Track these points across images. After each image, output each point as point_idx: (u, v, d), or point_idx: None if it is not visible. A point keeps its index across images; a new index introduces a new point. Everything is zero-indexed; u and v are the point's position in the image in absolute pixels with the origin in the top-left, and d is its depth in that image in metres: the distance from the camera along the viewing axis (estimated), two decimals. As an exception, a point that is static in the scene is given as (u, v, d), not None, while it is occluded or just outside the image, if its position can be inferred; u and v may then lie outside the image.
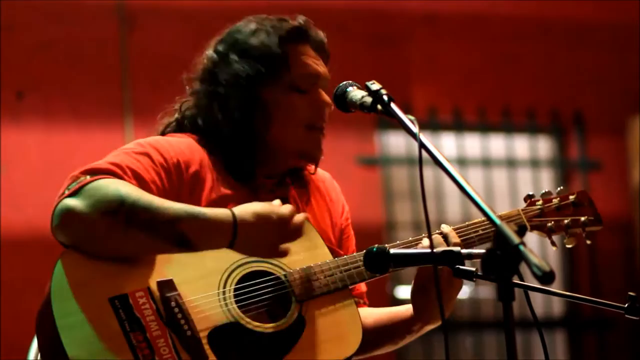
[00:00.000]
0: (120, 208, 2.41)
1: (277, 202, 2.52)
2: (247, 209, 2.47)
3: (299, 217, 2.50)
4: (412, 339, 2.79)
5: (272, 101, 2.71)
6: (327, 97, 2.73)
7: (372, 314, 2.83)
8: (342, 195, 2.94)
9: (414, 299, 2.71)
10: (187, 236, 2.43)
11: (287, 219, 2.47)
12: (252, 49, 2.74)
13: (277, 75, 2.72)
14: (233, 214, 2.45)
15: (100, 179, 2.46)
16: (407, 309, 2.76)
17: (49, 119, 5.58)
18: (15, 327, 4.85)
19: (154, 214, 2.42)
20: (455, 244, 2.64)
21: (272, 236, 2.48)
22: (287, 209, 2.49)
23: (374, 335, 2.78)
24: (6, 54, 5.48)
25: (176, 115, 2.79)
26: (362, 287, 2.87)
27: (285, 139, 2.72)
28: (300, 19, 2.79)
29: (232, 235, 2.45)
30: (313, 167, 2.85)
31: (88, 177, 2.47)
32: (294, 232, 2.50)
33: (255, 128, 2.71)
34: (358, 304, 2.84)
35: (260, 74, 2.71)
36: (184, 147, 2.66)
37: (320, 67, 2.77)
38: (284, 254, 2.51)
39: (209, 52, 2.78)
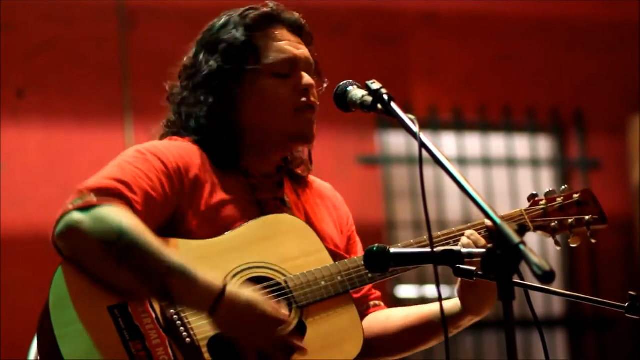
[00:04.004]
0: (116, 243, 2.40)
1: (285, 311, 2.49)
2: (241, 293, 2.45)
3: (284, 321, 2.47)
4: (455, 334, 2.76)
5: (254, 91, 2.67)
6: (308, 79, 2.69)
7: (399, 316, 2.78)
8: (345, 203, 2.90)
9: (463, 294, 2.67)
10: (172, 293, 2.42)
11: (274, 323, 2.45)
12: (220, 43, 2.70)
13: (251, 65, 2.68)
14: (223, 288, 2.42)
15: (108, 204, 2.45)
16: (453, 305, 2.70)
17: (49, 118, 5.58)
18: (15, 327, 4.85)
19: (147, 260, 2.41)
20: (484, 247, 2.61)
21: (251, 327, 2.45)
22: (282, 316, 2.47)
23: (405, 336, 2.75)
24: (6, 53, 5.48)
25: (168, 119, 2.76)
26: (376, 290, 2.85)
27: (274, 125, 2.67)
28: (270, 4, 2.75)
29: (211, 307, 2.42)
30: (313, 177, 2.83)
31: (94, 198, 2.45)
32: (276, 338, 2.47)
33: (234, 120, 2.68)
34: (377, 307, 2.82)
35: (231, 68, 2.67)
36: (183, 152, 2.63)
37: (298, 49, 2.72)
38: (254, 346, 2.47)
39: (189, 53, 2.76)
